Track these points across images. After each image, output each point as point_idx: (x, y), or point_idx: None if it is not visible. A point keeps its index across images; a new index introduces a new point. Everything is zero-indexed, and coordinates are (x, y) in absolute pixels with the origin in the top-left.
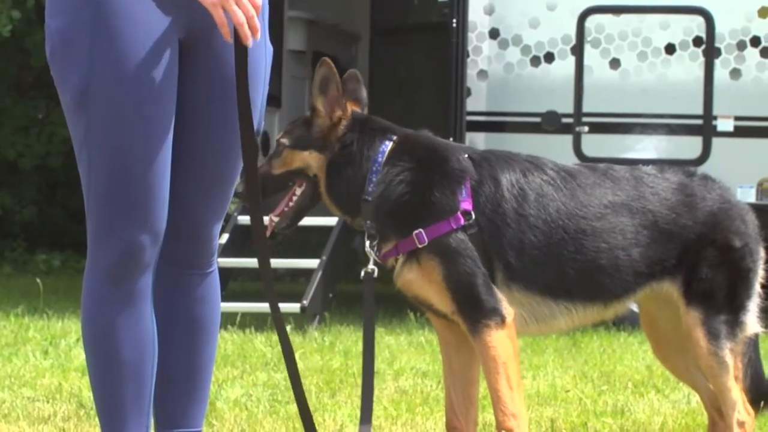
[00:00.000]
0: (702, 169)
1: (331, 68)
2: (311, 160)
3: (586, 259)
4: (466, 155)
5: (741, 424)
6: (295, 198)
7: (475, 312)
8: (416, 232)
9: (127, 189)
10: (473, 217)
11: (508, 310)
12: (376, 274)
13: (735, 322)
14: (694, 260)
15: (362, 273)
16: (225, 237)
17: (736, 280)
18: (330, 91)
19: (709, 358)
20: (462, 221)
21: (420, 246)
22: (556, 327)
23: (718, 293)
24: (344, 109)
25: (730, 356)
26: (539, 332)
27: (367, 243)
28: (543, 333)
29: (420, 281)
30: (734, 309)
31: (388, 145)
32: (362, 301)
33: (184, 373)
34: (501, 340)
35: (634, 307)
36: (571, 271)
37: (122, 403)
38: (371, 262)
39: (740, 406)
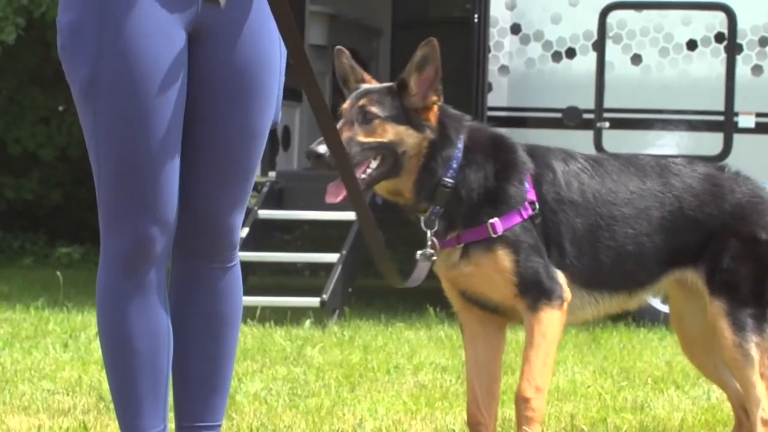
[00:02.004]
0: None
1: (435, 49)
2: (407, 137)
3: (618, 245)
4: None
5: (765, 423)
6: (369, 171)
7: (538, 291)
8: (491, 221)
9: (134, 180)
10: (537, 206)
11: (567, 293)
12: (434, 258)
13: (762, 317)
14: (717, 250)
15: (418, 254)
16: (245, 231)
17: (762, 275)
18: (426, 72)
19: (733, 350)
20: (530, 211)
21: (493, 236)
22: (582, 317)
23: (744, 285)
24: (438, 94)
25: (756, 351)
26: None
27: (429, 231)
28: (569, 324)
29: (485, 271)
30: (761, 304)
31: (464, 134)
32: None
33: (205, 368)
34: (553, 320)
35: (654, 303)
36: (605, 259)
37: (137, 394)
38: (428, 246)
39: (765, 404)
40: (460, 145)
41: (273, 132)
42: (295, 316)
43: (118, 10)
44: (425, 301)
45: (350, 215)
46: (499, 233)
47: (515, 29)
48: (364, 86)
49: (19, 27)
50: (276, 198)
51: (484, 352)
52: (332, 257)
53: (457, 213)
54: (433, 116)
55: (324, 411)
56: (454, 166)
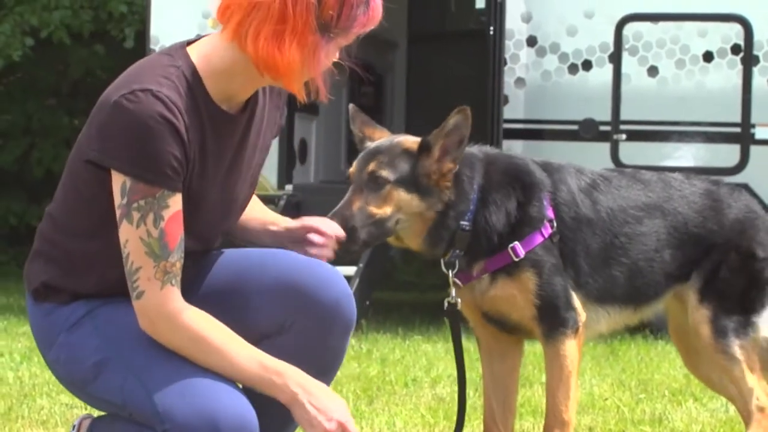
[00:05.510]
0: (740, 178)
1: (467, 118)
2: (413, 206)
3: (630, 261)
4: None
5: (761, 410)
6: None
7: (554, 318)
8: (511, 245)
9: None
10: (555, 224)
11: (582, 317)
12: (459, 305)
13: (746, 323)
14: (715, 263)
15: (445, 303)
16: None
17: (752, 289)
18: (451, 138)
19: (716, 356)
20: (550, 230)
21: (516, 260)
22: (595, 332)
23: (732, 296)
24: (456, 163)
25: (741, 352)
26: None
27: (450, 273)
28: (585, 339)
29: (510, 294)
30: (745, 312)
31: (479, 175)
32: (451, 334)
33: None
34: (573, 350)
35: None
36: (618, 275)
37: None
38: (453, 292)
39: (758, 392)
40: (475, 193)
41: (290, 145)
42: None
43: (105, 313)
44: (442, 313)
45: None
46: (522, 256)
47: (531, 41)
48: (372, 144)
49: (26, 45)
50: (293, 211)
51: (500, 366)
52: (349, 270)
53: (480, 249)
54: (446, 181)
55: None
56: (471, 208)
